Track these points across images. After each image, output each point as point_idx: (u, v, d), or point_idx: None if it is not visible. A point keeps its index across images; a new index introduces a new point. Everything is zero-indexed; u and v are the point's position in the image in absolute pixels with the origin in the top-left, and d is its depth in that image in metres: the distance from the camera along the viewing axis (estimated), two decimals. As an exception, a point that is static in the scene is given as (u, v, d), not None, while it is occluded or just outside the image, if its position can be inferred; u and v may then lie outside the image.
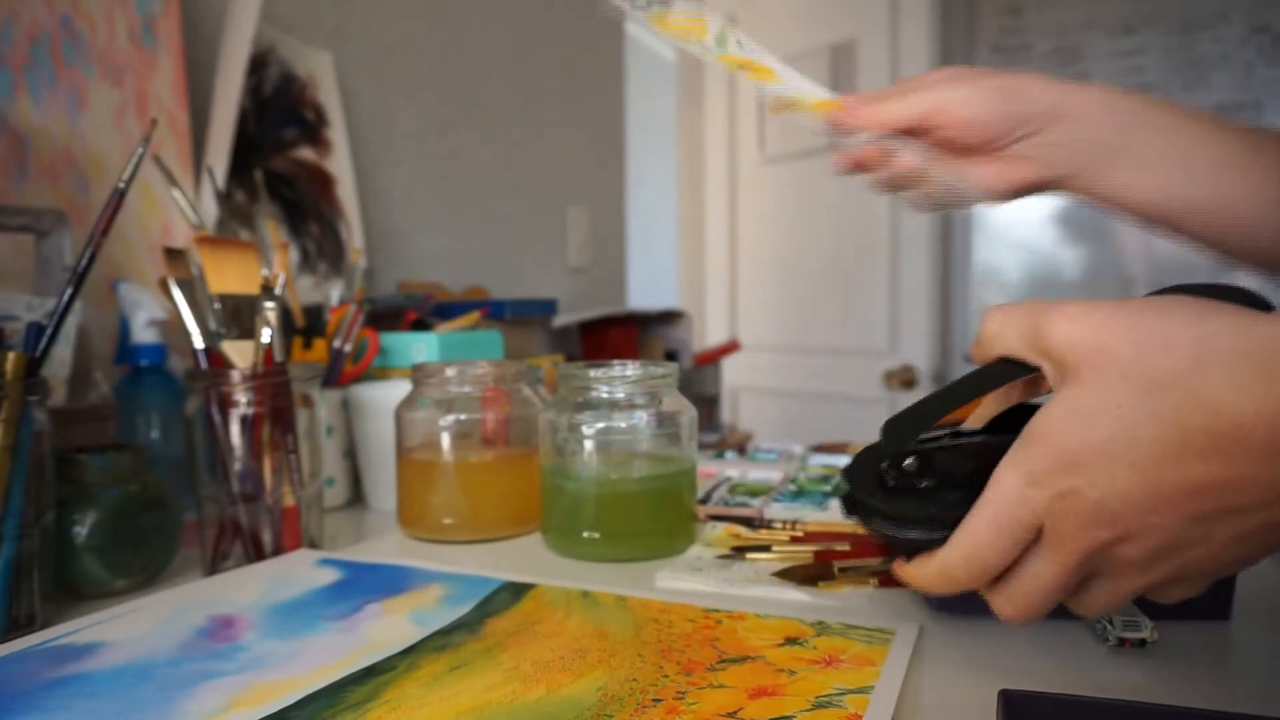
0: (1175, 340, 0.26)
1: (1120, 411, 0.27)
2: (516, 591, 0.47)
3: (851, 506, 0.36)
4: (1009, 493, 0.29)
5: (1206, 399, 0.25)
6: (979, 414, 0.38)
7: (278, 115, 1.01)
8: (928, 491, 0.34)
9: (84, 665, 0.38)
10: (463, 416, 0.62)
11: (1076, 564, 0.30)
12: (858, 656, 0.38)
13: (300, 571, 0.51)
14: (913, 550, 0.34)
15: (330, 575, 0.51)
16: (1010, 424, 0.32)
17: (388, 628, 0.42)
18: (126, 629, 0.42)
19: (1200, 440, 0.26)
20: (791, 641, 0.40)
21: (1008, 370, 0.32)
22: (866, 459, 0.36)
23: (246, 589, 0.48)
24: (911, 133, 0.47)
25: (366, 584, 0.49)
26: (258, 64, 0.97)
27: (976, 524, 0.30)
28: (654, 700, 0.34)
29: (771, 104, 0.50)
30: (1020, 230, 2.31)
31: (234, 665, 0.38)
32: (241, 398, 0.54)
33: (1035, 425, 0.29)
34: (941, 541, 0.32)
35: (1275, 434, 0.25)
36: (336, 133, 1.09)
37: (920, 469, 0.34)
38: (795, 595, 0.47)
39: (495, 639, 0.41)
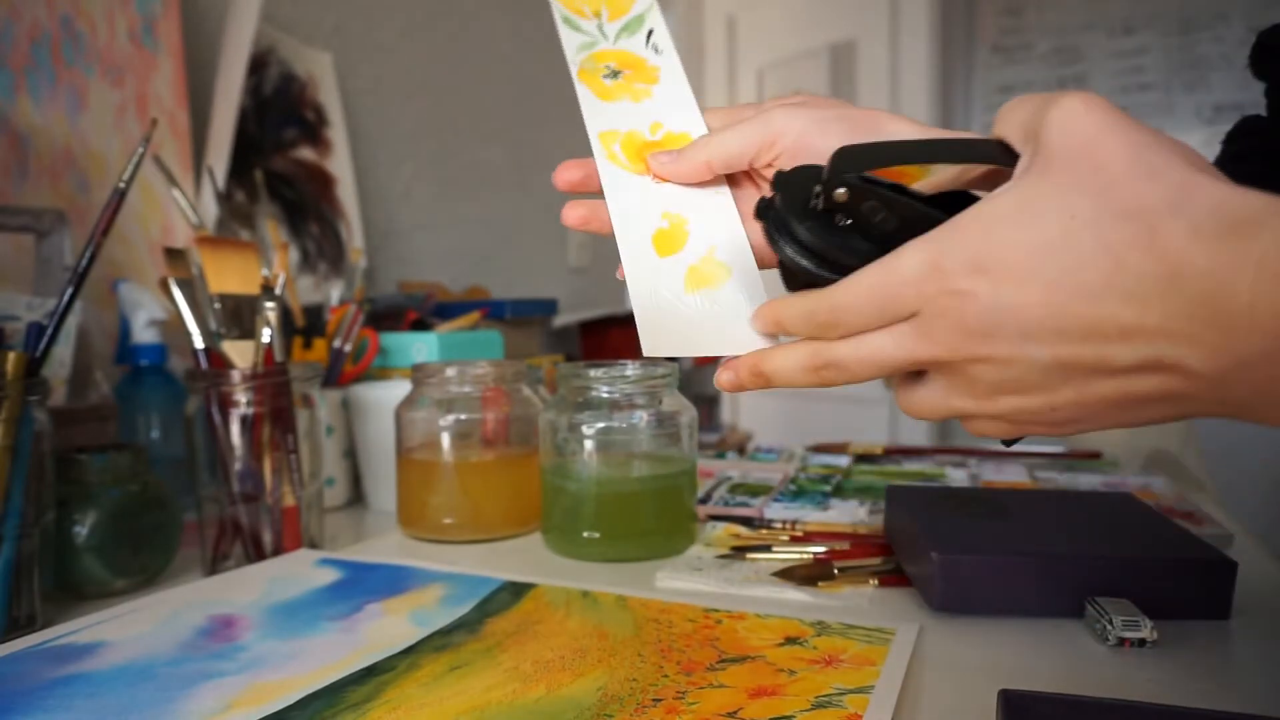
0: (1161, 172, 0.24)
1: (1072, 224, 0.25)
2: (516, 591, 0.47)
3: (765, 212, 0.34)
4: (905, 271, 0.28)
5: (1160, 240, 0.24)
6: (931, 181, 0.35)
7: (278, 115, 1.01)
8: (842, 230, 0.32)
9: (85, 665, 0.38)
10: (463, 416, 0.62)
11: (926, 360, 0.29)
12: (858, 656, 0.38)
13: (300, 571, 0.51)
14: (799, 282, 0.33)
15: (330, 575, 0.51)
16: (954, 205, 0.30)
17: (388, 628, 0.42)
18: (127, 629, 0.42)
19: (1128, 281, 0.24)
20: (791, 641, 0.40)
21: (979, 149, 0.31)
22: (805, 175, 0.33)
23: (247, 589, 0.48)
24: (741, 174, 0.40)
25: (366, 584, 0.49)
26: (258, 64, 0.97)
27: (858, 283, 0.29)
28: (654, 700, 0.34)
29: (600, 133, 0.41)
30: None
31: (234, 665, 0.38)
32: (242, 398, 0.54)
33: (972, 214, 0.27)
34: (824, 283, 0.31)
35: (1211, 288, 0.23)
36: (336, 133, 1.09)
37: (848, 204, 0.31)
38: (795, 595, 0.47)
39: (495, 639, 0.41)
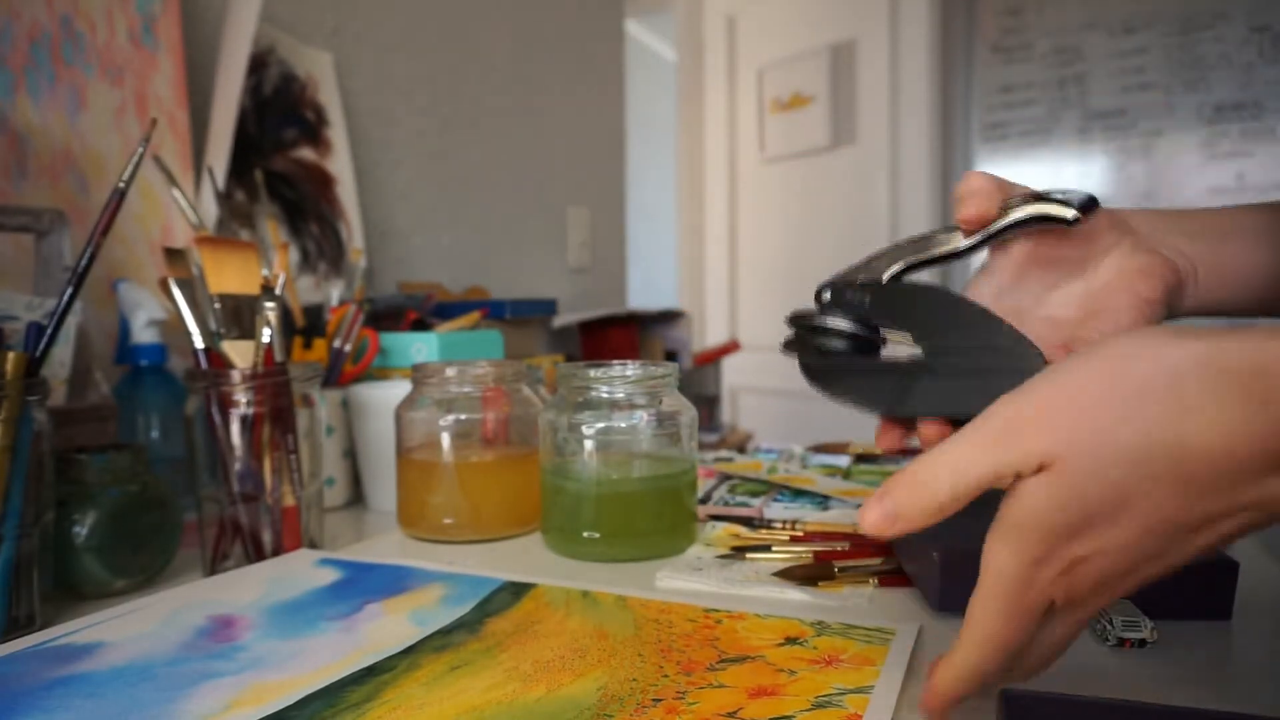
0: (1148, 387, 0.26)
1: (1112, 477, 0.26)
2: (516, 591, 0.47)
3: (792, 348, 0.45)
4: (1014, 583, 0.28)
5: (1192, 444, 0.25)
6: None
7: (278, 115, 1.01)
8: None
9: (84, 665, 0.38)
10: (463, 416, 0.62)
11: (1090, 617, 0.30)
12: (857, 656, 0.38)
13: (300, 571, 0.51)
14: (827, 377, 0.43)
15: (330, 575, 0.51)
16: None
17: (388, 628, 0.42)
18: (126, 629, 0.42)
19: (1199, 483, 0.26)
20: (791, 641, 0.40)
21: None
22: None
23: (247, 589, 0.48)
24: None
25: (366, 584, 0.49)
26: (258, 64, 0.97)
27: (991, 619, 0.29)
28: (654, 700, 0.34)
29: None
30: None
31: (234, 665, 0.38)
32: (241, 398, 0.54)
33: (1019, 510, 0.28)
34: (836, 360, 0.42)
35: (1256, 453, 0.25)
36: (336, 133, 1.09)
37: (822, 312, 0.43)
38: (795, 595, 0.47)
39: (495, 639, 0.41)
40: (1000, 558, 0.28)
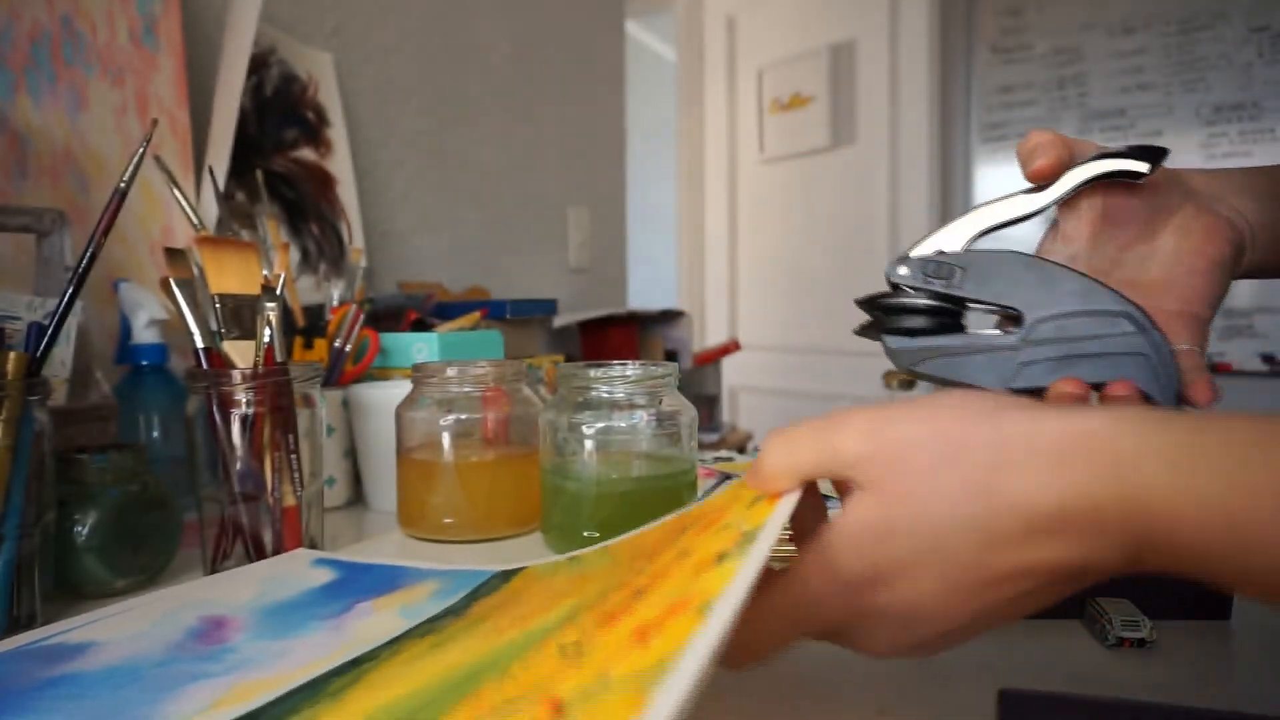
0: (967, 445, 0.26)
1: (931, 523, 0.26)
2: (506, 575, 0.46)
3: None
4: (815, 608, 0.29)
5: (1007, 499, 0.25)
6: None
7: (278, 115, 1.01)
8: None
9: (75, 665, 0.38)
10: (463, 416, 0.62)
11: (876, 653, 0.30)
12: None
13: (295, 571, 0.51)
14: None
15: (325, 575, 0.50)
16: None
17: (376, 624, 0.42)
18: (118, 629, 0.42)
19: (1002, 536, 0.26)
20: (758, 501, 0.37)
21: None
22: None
23: (241, 589, 0.48)
24: None
25: (360, 584, 0.49)
26: (258, 64, 0.97)
27: (774, 615, 0.30)
28: (616, 586, 0.34)
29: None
30: (1018, 231, 2.31)
31: (221, 667, 0.38)
32: (242, 398, 0.54)
33: (838, 536, 0.28)
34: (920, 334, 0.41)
35: (1068, 514, 0.25)
36: (337, 133, 1.09)
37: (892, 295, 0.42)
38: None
39: (479, 615, 0.40)
40: (812, 576, 0.29)
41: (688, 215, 2.83)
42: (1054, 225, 0.43)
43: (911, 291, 0.41)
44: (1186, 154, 2.11)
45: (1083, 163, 0.39)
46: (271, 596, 0.47)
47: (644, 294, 2.53)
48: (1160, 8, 2.16)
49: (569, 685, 0.26)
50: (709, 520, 0.35)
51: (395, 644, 0.39)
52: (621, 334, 1.27)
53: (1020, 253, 0.40)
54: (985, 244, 0.41)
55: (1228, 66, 2.06)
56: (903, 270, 0.40)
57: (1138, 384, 0.38)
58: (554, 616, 0.34)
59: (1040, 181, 0.40)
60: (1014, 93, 2.37)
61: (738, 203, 2.75)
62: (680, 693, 0.22)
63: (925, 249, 0.41)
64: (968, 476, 0.26)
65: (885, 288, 0.42)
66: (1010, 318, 0.41)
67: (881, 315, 0.42)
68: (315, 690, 0.35)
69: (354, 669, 0.37)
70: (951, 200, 2.37)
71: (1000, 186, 2.33)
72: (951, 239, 0.41)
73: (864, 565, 0.28)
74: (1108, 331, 0.38)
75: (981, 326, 0.42)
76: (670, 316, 1.37)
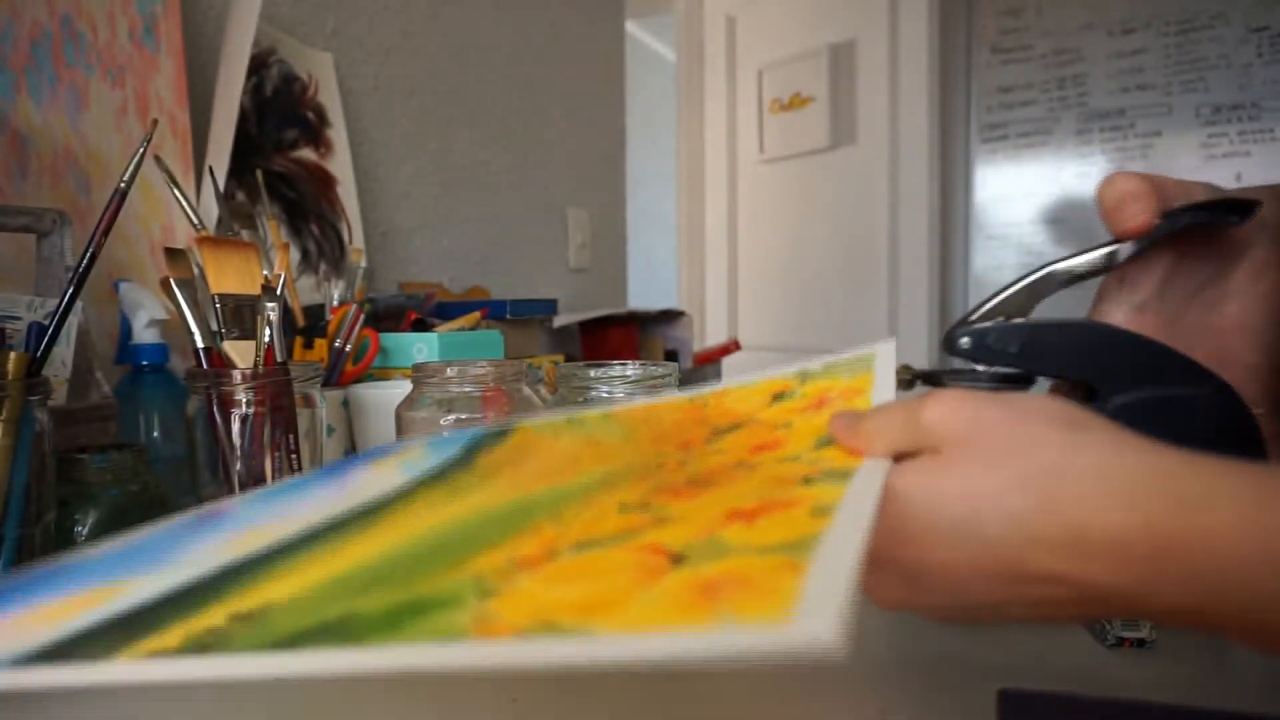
0: (1040, 442, 0.26)
1: (977, 502, 0.26)
2: (502, 432, 0.45)
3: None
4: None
5: (1065, 514, 0.25)
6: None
7: (278, 116, 1.01)
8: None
9: (67, 563, 0.35)
10: (463, 416, 0.62)
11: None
12: (846, 390, 0.36)
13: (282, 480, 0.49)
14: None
15: (311, 475, 0.49)
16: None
17: (378, 478, 0.40)
18: (103, 545, 0.40)
19: (1048, 541, 0.26)
20: (779, 398, 0.38)
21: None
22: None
23: (229, 500, 0.46)
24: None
25: (350, 460, 0.47)
26: (258, 64, 0.97)
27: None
28: (658, 466, 0.33)
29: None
30: (1018, 231, 2.31)
31: (221, 531, 0.36)
32: (242, 398, 0.54)
33: (888, 487, 0.28)
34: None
35: (1126, 541, 0.25)
36: (337, 133, 1.09)
37: (973, 347, 0.39)
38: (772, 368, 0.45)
39: (490, 468, 0.39)
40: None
41: (688, 215, 2.83)
42: (1118, 269, 0.40)
43: (975, 368, 0.38)
44: (1186, 154, 2.11)
45: (1171, 213, 0.36)
46: (261, 491, 0.45)
47: (644, 294, 2.53)
48: (1160, 8, 2.16)
49: (669, 538, 0.25)
50: (761, 438, 0.34)
51: (405, 494, 0.37)
52: (621, 334, 1.27)
53: (1091, 322, 0.38)
54: (1054, 302, 0.39)
55: (1227, 67, 2.06)
56: (964, 342, 0.38)
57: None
58: (587, 480, 0.33)
59: (1131, 240, 0.36)
60: (1014, 93, 2.37)
61: (738, 203, 2.75)
62: (852, 551, 0.20)
63: (991, 310, 0.38)
64: (1029, 475, 0.26)
65: (944, 318, 0.41)
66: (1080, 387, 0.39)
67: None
68: (332, 529, 0.33)
69: (368, 514, 0.35)
70: (952, 200, 2.37)
71: (1000, 186, 2.33)
72: (1019, 301, 0.38)
73: (899, 521, 0.27)
74: (1174, 398, 0.36)
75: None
76: (670, 316, 1.37)
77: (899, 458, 0.29)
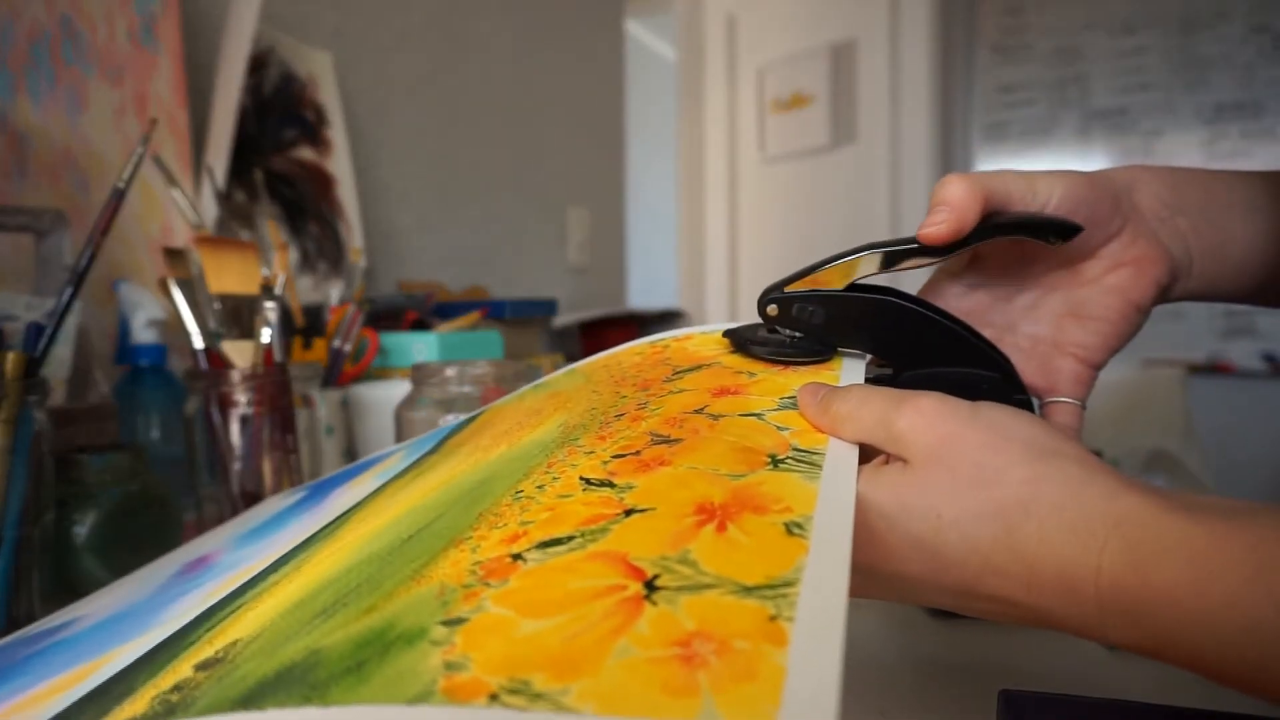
0: (1008, 473, 0.27)
1: (938, 523, 0.27)
2: (473, 417, 0.45)
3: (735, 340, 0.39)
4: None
5: (1024, 550, 0.26)
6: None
7: (278, 115, 1.01)
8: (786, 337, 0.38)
9: (61, 635, 0.37)
10: (463, 416, 0.62)
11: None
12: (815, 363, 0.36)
13: (270, 503, 0.50)
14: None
15: (299, 494, 0.49)
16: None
17: (355, 493, 0.41)
18: (102, 599, 0.42)
19: (1003, 571, 0.26)
20: None
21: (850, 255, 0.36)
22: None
23: (219, 534, 0.47)
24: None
25: (333, 481, 0.47)
26: (258, 64, 0.97)
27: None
28: (616, 415, 0.33)
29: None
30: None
31: (208, 578, 0.37)
32: (241, 398, 0.54)
33: (861, 503, 0.28)
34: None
35: (1076, 583, 0.25)
36: (336, 133, 1.09)
37: (781, 315, 0.37)
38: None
39: (453, 446, 0.39)
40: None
41: (688, 215, 2.83)
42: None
43: (779, 329, 0.38)
44: (1187, 153, 2.11)
45: (984, 226, 0.35)
46: (248, 524, 0.46)
47: (644, 294, 2.53)
48: (1161, 8, 2.16)
49: (639, 544, 0.24)
50: (723, 380, 0.34)
51: (376, 494, 0.38)
52: (621, 334, 1.27)
53: (897, 301, 0.37)
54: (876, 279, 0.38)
55: (1228, 66, 2.06)
56: (771, 309, 0.37)
57: None
58: (545, 436, 0.33)
59: (929, 246, 0.35)
60: (1014, 93, 2.37)
61: (738, 203, 2.75)
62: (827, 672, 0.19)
63: (802, 281, 0.38)
64: (992, 508, 0.26)
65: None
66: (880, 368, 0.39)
67: (745, 349, 0.39)
68: (305, 547, 0.33)
69: (338, 521, 0.35)
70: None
71: (1000, 186, 2.33)
72: (836, 273, 0.37)
73: (863, 529, 0.28)
74: (968, 385, 0.36)
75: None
76: (670, 316, 1.37)
77: (864, 448, 0.29)
